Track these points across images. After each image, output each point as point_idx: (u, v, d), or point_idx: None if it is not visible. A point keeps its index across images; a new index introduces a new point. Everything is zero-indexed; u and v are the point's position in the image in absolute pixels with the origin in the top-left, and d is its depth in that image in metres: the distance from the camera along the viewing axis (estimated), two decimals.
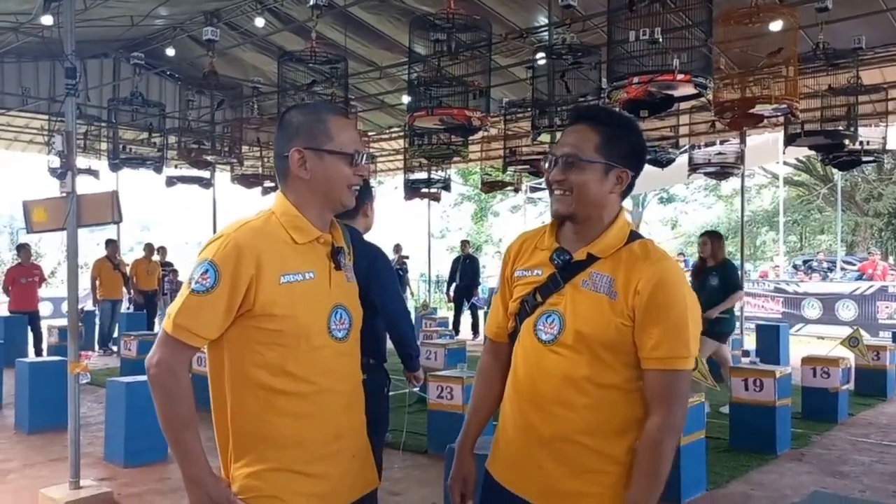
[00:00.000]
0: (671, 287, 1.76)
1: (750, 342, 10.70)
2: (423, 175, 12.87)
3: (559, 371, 1.80)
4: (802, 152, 15.52)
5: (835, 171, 20.21)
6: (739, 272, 11.94)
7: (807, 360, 7.22)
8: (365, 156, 1.90)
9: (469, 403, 2.13)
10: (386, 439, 5.89)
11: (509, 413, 1.92)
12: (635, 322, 1.76)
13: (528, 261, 1.95)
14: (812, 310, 14.84)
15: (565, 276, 1.84)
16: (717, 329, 6.94)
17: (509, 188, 14.24)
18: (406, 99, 9.25)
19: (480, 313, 14.61)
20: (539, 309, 1.86)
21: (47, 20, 8.60)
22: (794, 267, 20.03)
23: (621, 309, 1.76)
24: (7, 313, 11.11)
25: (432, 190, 12.98)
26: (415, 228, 18.71)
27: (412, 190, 12.91)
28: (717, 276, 7.04)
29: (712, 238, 7.28)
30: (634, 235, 1.87)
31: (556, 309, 1.83)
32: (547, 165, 1.89)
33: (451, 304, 14.93)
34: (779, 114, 6.45)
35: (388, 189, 25.02)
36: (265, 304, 1.74)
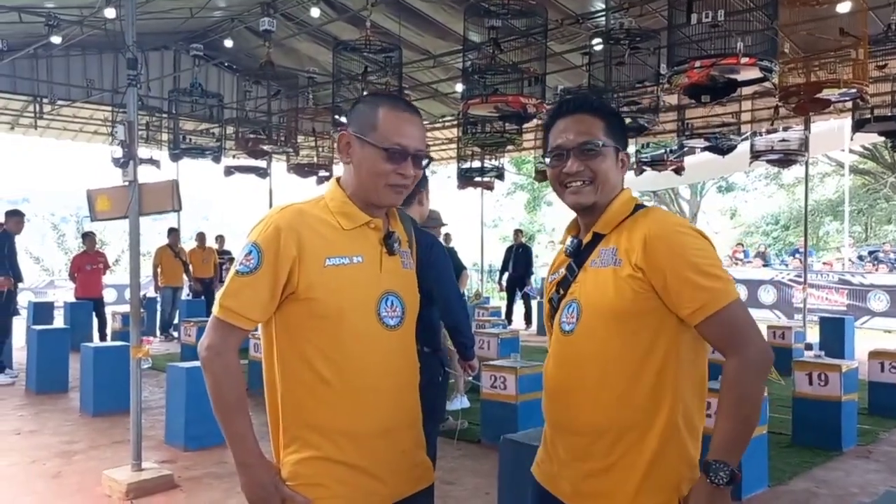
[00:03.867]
0: (666, 234, 1.67)
1: (813, 335, 10.40)
2: (476, 164, 12.82)
3: (577, 358, 1.76)
4: (868, 139, 14.99)
5: None
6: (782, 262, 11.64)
7: (874, 354, 6.99)
8: (414, 157, 1.80)
9: None
10: (446, 423, 5.90)
11: (543, 411, 1.89)
12: (654, 285, 1.66)
13: (555, 264, 1.96)
14: (878, 302, 14.35)
15: (578, 262, 1.82)
16: None
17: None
18: (460, 87, 9.21)
19: (533, 303, 14.53)
20: (562, 302, 1.84)
21: (110, 13, 8.80)
22: (860, 258, 19.37)
23: (627, 273, 1.68)
24: (73, 299, 11.46)
25: (485, 179, 12.92)
26: (468, 217, 18.63)
27: (465, 179, 12.87)
28: None
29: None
30: (639, 207, 1.81)
31: (574, 297, 1.79)
32: (553, 161, 1.83)
33: (504, 294, 14.88)
34: (847, 98, 6.21)
35: (441, 178, 25.02)
36: (308, 286, 1.72)
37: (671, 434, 1.68)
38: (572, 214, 1.92)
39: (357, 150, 1.81)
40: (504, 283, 14.51)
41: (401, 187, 1.82)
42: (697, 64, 5.06)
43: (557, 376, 1.80)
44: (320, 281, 1.73)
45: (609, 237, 1.77)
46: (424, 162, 1.86)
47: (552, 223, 30.54)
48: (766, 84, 6.10)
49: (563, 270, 1.87)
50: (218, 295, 1.76)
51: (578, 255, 1.82)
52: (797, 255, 17.44)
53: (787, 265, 16.88)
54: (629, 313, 1.68)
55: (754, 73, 5.18)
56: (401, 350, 1.86)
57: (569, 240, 1.88)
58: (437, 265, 3.35)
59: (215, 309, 1.75)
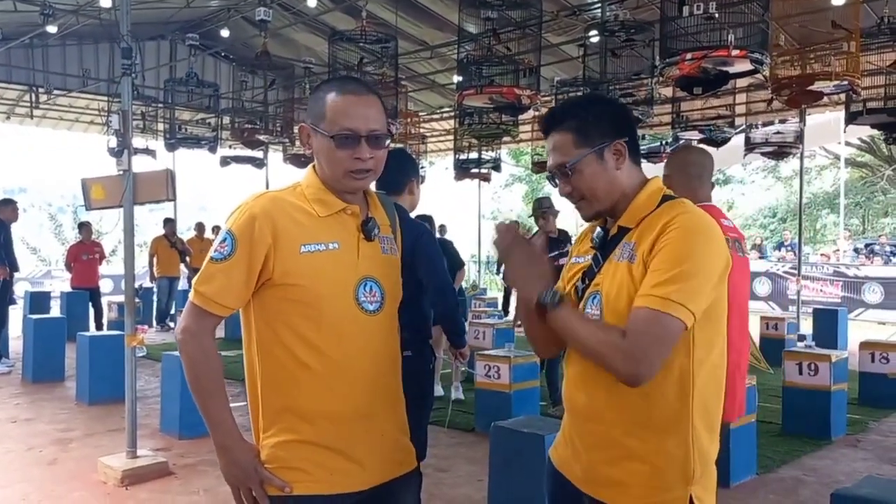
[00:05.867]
0: (679, 229, 1.62)
1: (806, 326, 10.45)
2: (473, 155, 12.83)
3: None
4: (866, 132, 15.04)
5: None
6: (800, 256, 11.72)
7: (865, 345, 7.04)
8: (369, 138, 1.77)
9: None
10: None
11: (563, 397, 1.89)
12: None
13: (580, 248, 1.93)
14: (873, 294, 14.42)
15: (604, 254, 1.79)
16: None
17: None
18: (457, 78, 9.24)
19: None
20: (587, 292, 1.81)
21: (105, 2, 8.80)
22: (856, 250, 19.42)
23: (639, 270, 1.65)
24: (69, 289, 11.47)
25: (482, 170, 12.93)
26: (465, 209, 18.68)
27: (462, 170, 12.88)
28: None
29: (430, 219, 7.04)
30: (667, 199, 1.75)
31: (598, 289, 1.76)
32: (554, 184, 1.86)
33: (502, 285, 14.93)
34: (839, 91, 6.24)
35: (438, 169, 25.03)
36: (284, 273, 1.74)
37: (686, 430, 1.66)
38: (570, 207, 1.92)
39: (315, 142, 1.83)
40: (503, 275, 14.54)
41: (361, 172, 1.81)
42: (689, 56, 5.09)
43: (578, 365, 1.79)
44: (296, 268, 1.74)
45: (633, 231, 1.74)
46: (387, 141, 1.83)
47: None
48: (761, 77, 6.11)
49: (588, 259, 1.85)
50: (193, 280, 1.79)
51: (604, 246, 1.80)
52: (782, 249, 17.50)
53: (774, 259, 16.92)
54: None
55: (745, 66, 5.21)
56: (381, 335, 1.87)
57: (596, 230, 1.85)
58: (426, 254, 3.37)
59: (191, 294, 1.78)
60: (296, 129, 11.62)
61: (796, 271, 11.72)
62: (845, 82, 5.83)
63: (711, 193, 3.19)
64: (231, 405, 1.80)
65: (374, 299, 1.84)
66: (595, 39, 8.46)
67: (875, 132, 10.39)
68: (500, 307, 13.21)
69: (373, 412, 1.84)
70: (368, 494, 1.82)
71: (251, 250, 1.73)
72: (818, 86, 5.83)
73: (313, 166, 1.89)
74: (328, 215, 1.82)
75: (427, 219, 6.28)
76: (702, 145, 10.18)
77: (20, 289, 13.30)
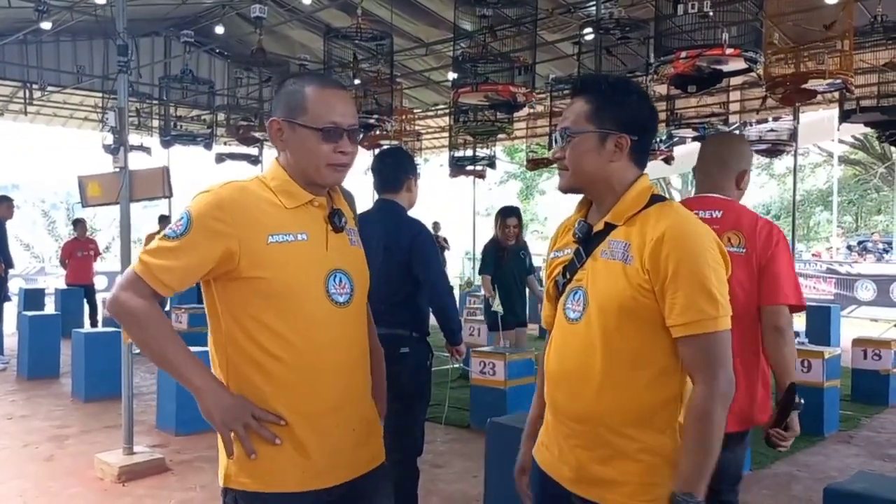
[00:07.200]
0: (681, 240, 1.61)
1: (800, 323, 10.50)
2: (468, 152, 12.83)
3: (581, 348, 1.72)
4: (860, 130, 15.09)
5: (893, 149, 19.58)
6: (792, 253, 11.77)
7: (857, 342, 7.09)
8: (349, 132, 1.79)
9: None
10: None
11: (545, 396, 1.87)
12: (654, 288, 1.62)
13: (560, 241, 1.91)
14: (866, 291, 14.49)
15: (588, 249, 1.76)
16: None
17: (555, 166, 14.06)
18: (452, 76, 9.25)
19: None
20: (568, 287, 1.80)
21: None
22: (849, 248, 19.52)
23: (636, 272, 1.63)
24: (64, 286, 11.45)
25: (477, 167, 12.94)
26: (460, 206, 18.68)
27: (457, 167, 12.88)
28: (527, 257, 6.84)
29: (520, 217, 6.76)
30: (655, 199, 1.73)
31: (581, 285, 1.75)
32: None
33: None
34: (832, 89, 6.26)
35: (433, 166, 25.03)
36: (251, 264, 1.70)
37: (674, 426, 1.67)
38: (564, 204, 1.93)
39: (290, 135, 1.80)
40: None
41: (342, 165, 1.81)
42: (683, 54, 5.11)
43: (561, 364, 1.78)
44: (263, 259, 1.71)
45: (621, 229, 1.71)
46: (360, 136, 1.86)
47: (545, 212, 30.61)
48: (754, 75, 6.14)
49: (569, 252, 1.82)
50: (140, 250, 1.74)
51: (587, 241, 1.77)
52: None
53: None
54: (634, 310, 1.64)
55: (739, 64, 5.24)
56: (352, 327, 1.86)
57: (578, 222, 1.82)
58: (423, 251, 3.40)
59: (134, 261, 1.71)
60: None
61: None
62: (839, 81, 5.84)
63: (730, 185, 2.69)
64: None
65: (344, 291, 1.82)
66: (590, 37, 8.48)
67: (869, 130, 10.42)
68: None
69: (344, 405, 1.82)
70: (341, 491, 1.81)
71: (207, 237, 1.69)
72: (812, 84, 5.84)
73: (276, 159, 1.87)
74: (295, 207, 1.79)
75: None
76: (696, 143, 10.27)
77: (14, 285, 13.28)
